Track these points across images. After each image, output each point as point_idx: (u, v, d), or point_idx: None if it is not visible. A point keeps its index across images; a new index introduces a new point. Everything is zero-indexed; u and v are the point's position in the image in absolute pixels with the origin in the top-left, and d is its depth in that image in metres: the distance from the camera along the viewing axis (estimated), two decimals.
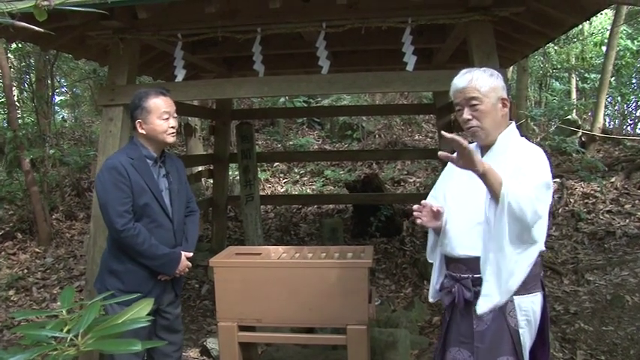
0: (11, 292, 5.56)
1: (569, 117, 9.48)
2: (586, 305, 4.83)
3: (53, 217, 7.24)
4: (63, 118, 13.02)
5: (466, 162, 1.86)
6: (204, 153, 8.50)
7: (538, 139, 9.33)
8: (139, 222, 2.66)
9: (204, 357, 4.18)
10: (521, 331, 2.06)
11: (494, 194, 1.92)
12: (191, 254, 2.83)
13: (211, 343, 4.11)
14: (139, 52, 4.20)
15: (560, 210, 7.04)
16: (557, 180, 7.77)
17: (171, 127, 2.72)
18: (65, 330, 1.24)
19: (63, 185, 7.99)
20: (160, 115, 2.68)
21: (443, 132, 1.92)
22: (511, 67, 9.52)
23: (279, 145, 10.35)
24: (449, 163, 2.21)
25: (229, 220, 7.69)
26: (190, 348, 4.32)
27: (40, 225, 6.55)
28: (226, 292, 3.04)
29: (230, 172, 7.72)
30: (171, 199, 2.79)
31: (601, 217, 6.81)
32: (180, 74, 3.57)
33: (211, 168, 6.78)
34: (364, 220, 6.99)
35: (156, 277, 2.75)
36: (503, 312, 2.04)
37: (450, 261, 2.23)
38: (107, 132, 3.60)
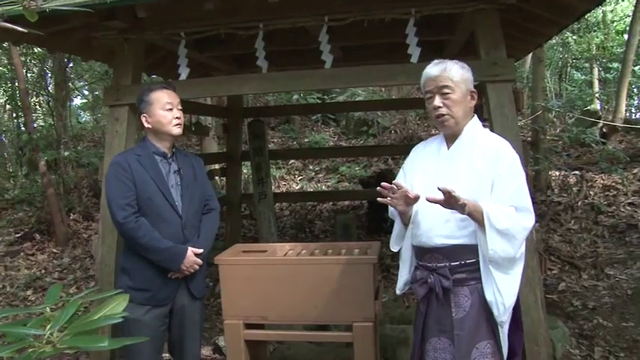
0: (29, 292, 5.66)
1: (588, 108, 9.27)
2: (605, 300, 4.71)
3: (71, 217, 7.35)
4: (78, 120, 13.21)
5: (453, 205, 2.01)
6: (218, 152, 8.53)
7: (557, 131, 9.16)
8: (144, 217, 2.66)
9: (217, 355, 4.20)
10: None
11: (479, 222, 2.06)
12: (200, 250, 2.76)
13: (223, 341, 4.12)
14: (149, 52, 4.22)
15: (579, 203, 6.88)
16: (577, 172, 7.60)
17: (176, 117, 2.74)
18: (48, 327, 1.24)
19: (81, 187, 8.11)
20: (163, 105, 2.71)
21: (439, 187, 1.99)
22: (529, 58, 9.36)
23: (295, 143, 10.34)
24: (411, 156, 2.43)
25: (244, 219, 7.71)
26: (203, 346, 4.32)
27: (57, 226, 6.66)
28: (231, 289, 3.02)
29: (245, 170, 7.73)
30: (181, 195, 2.78)
31: (622, 210, 6.64)
32: (184, 72, 3.57)
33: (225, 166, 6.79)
34: (379, 216, 6.92)
35: (165, 274, 2.71)
36: (480, 297, 2.11)
37: (425, 252, 2.25)
38: (113, 132, 3.61)
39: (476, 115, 2.28)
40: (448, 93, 2.14)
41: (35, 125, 7.70)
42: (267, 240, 5.94)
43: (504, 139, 2.26)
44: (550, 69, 11.56)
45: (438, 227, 2.16)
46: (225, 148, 6.76)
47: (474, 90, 2.21)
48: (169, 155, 2.81)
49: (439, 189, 1.96)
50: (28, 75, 8.98)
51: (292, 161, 9.73)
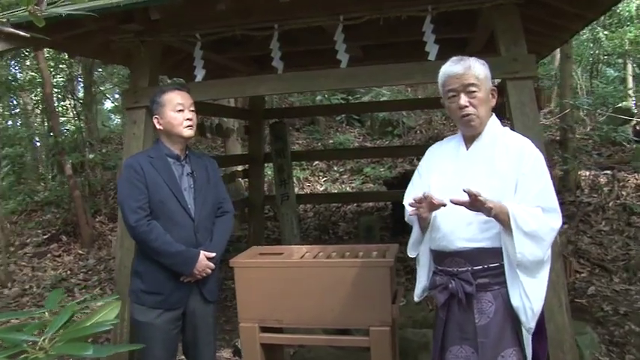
0: None
1: (620, 105, 8.97)
2: (638, 305, 4.55)
3: (97, 219, 7.47)
4: (107, 123, 13.45)
5: (478, 208, 1.94)
6: (240, 153, 8.55)
7: (587, 129, 8.90)
8: (156, 220, 2.64)
9: (237, 357, 4.18)
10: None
11: (505, 224, 1.98)
12: (213, 254, 2.72)
13: None
14: (169, 54, 4.24)
15: (610, 203, 6.65)
16: (608, 172, 7.36)
17: (187, 119, 2.71)
18: (44, 334, 1.23)
19: (107, 189, 8.24)
20: (174, 107, 2.69)
21: (464, 189, 1.90)
22: (558, 55, 9.11)
23: (319, 144, 10.30)
24: (426, 156, 2.37)
25: (268, 220, 7.70)
26: (223, 348, 4.32)
27: (82, 228, 6.78)
28: (247, 292, 2.98)
29: (269, 172, 7.72)
30: (194, 198, 2.75)
31: None
32: (199, 74, 3.56)
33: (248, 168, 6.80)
34: (404, 217, 6.83)
35: (177, 278, 2.68)
36: (505, 303, 2.03)
37: (445, 256, 2.16)
38: (131, 134, 3.63)
39: (494, 114, 2.21)
40: (475, 91, 2.07)
41: (67, 128, 7.84)
42: (289, 242, 5.90)
43: (526, 137, 2.19)
44: (581, 66, 11.23)
45: (459, 230, 2.09)
46: (248, 150, 6.76)
47: (494, 88, 2.15)
48: (182, 157, 2.78)
49: (465, 191, 1.89)
50: (59, 79, 9.19)
51: (316, 162, 9.70)
